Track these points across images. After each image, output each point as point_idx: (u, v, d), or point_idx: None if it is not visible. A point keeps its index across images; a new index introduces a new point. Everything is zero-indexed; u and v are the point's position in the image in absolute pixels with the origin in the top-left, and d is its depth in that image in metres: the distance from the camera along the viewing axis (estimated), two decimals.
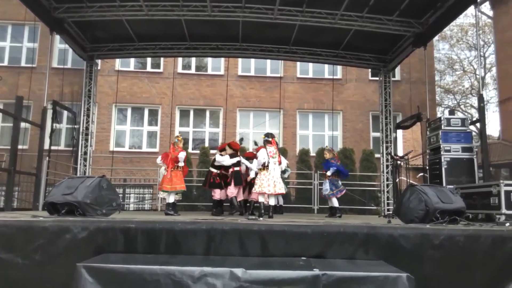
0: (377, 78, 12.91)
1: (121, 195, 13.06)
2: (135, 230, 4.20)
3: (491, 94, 26.46)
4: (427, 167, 9.32)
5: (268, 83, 16.70)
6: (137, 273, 3.45)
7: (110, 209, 5.32)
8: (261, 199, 7.14)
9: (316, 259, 4.03)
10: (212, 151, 12.62)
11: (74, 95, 13.69)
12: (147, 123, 16.65)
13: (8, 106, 13.42)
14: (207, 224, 4.29)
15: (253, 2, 9.41)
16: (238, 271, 3.41)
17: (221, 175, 8.31)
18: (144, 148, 16.38)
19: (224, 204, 8.76)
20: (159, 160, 7.90)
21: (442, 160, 8.30)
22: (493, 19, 20.53)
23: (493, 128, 28.22)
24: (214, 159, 8.56)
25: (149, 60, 16.74)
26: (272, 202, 7.20)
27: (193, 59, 16.91)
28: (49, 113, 10.19)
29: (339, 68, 16.38)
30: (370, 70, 15.61)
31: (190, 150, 14.83)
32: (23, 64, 15.99)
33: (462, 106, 28.92)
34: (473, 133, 9.05)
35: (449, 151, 8.33)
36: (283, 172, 8.38)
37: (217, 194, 8.36)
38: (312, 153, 14.36)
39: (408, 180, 10.60)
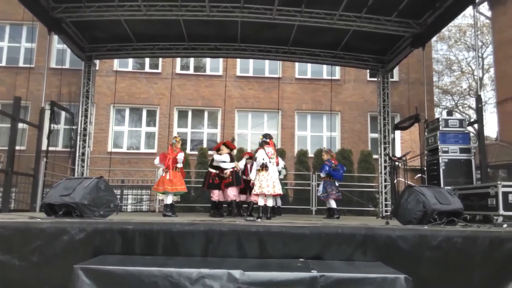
0: (375, 79, 12.93)
1: (119, 196, 13.03)
2: (132, 232, 4.19)
3: (489, 95, 26.54)
4: (425, 168, 9.32)
5: (266, 84, 16.71)
6: (135, 275, 3.44)
7: (107, 210, 5.30)
8: (260, 200, 7.13)
9: (314, 261, 4.03)
10: (210, 152, 12.60)
11: (72, 96, 13.65)
12: (145, 123, 16.63)
13: (6, 107, 13.40)
14: (205, 226, 4.28)
15: (251, 2, 9.41)
16: (236, 273, 3.41)
17: (220, 176, 8.29)
18: (142, 149, 16.36)
19: (223, 205, 8.74)
20: (157, 161, 7.85)
21: (440, 161, 8.30)
22: (491, 20, 20.58)
23: (491, 129, 28.28)
24: (213, 159, 8.53)
25: (147, 60, 16.73)
26: (270, 203, 7.20)
27: (192, 60, 16.91)
28: (47, 114, 10.16)
29: (337, 68, 16.38)
30: (368, 70, 15.68)
31: (188, 151, 14.81)
32: (21, 64, 15.96)
33: (460, 107, 28.97)
34: (471, 134, 9.05)
35: (447, 152, 8.34)
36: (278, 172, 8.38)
37: (215, 195, 8.34)
38: (311, 154, 14.35)
39: (406, 181, 10.62)
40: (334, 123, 16.46)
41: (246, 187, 8.45)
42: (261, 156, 7.13)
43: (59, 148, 14.51)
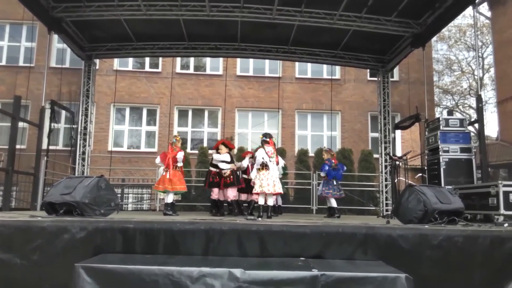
0: (375, 79, 12.93)
1: (119, 195, 13.04)
2: (133, 230, 4.19)
3: (489, 94, 26.52)
4: (426, 168, 9.32)
5: (266, 83, 16.70)
6: (136, 274, 3.44)
7: (108, 209, 5.31)
8: (260, 199, 7.14)
9: (315, 260, 4.03)
10: (210, 151, 12.61)
11: (72, 95, 13.65)
12: (146, 123, 16.63)
13: (6, 106, 13.40)
14: (205, 225, 4.28)
15: (251, 2, 9.41)
16: (237, 272, 3.41)
17: (220, 174, 8.27)
18: (143, 148, 16.37)
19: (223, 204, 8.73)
20: (157, 160, 7.86)
21: (441, 160, 8.30)
22: (491, 20, 20.56)
23: (492, 128, 28.27)
24: (213, 158, 8.53)
25: (147, 60, 16.72)
26: (270, 202, 7.20)
27: (192, 59, 16.90)
28: (47, 113, 10.15)
29: (337, 68, 16.38)
30: (368, 70, 15.68)
31: (188, 150, 14.81)
32: (21, 63, 15.95)
33: (460, 107, 28.96)
34: (472, 134, 9.05)
35: (447, 151, 8.34)
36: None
37: (215, 193, 8.33)
38: (311, 154, 14.35)
39: (406, 180, 10.62)
40: (335, 123, 16.46)
41: (247, 186, 8.44)
42: (260, 155, 7.14)
43: (60, 147, 14.50)
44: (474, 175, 8.16)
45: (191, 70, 17.02)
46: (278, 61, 14.89)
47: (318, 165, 11.63)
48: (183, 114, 16.73)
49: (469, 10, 10.45)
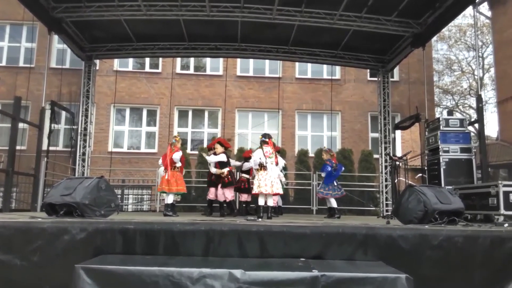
0: (375, 79, 12.92)
1: (119, 196, 13.04)
2: (133, 231, 4.19)
3: (489, 94, 26.51)
4: (426, 168, 9.32)
5: (266, 84, 16.71)
6: (136, 275, 3.44)
7: (108, 210, 5.30)
8: (260, 200, 7.13)
9: (315, 260, 4.02)
10: (203, 153, 12.59)
11: (73, 96, 13.66)
12: (146, 123, 16.63)
13: (6, 107, 13.41)
14: (205, 225, 4.28)
15: (251, 2, 9.41)
16: (237, 272, 3.41)
17: (217, 175, 8.25)
18: (143, 149, 16.37)
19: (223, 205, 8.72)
20: (160, 161, 7.88)
21: (441, 160, 8.30)
22: (491, 20, 20.55)
23: (492, 128, 28.24)
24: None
25: (147, 60, 16.73)
26: (270, 202, 7.20)
27: (192, 60, 16.91)
28: (48, 114, 10.16)
29: (337, 68, 16.38)
30: (368, 70, 15.68)
31: (188, 150, 14.81)
32: (21, 64, 15.97)
33: (460, 107, 28.96)
34: (472, 134, 9.05)
35: (447, 151, 8.34)
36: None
37: (211, 193, 8.31)
38: (311, 154, 14.35)
39: (406, 180, 10.62)
40: (335, 123, 16.46)
41: (249, 187, 8.44)
42: (257, 156, 7.15)
43: (60, 148, 14.52)
44: (474, 175, 8.15)
45: (191, 71, 17.03)
46: (278, 61, 14.89)
47: (318, 165, 11.63)
48: (183, 114, 16.73)
49: (469, 10, 10.48)
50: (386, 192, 11.24)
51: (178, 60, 16.64)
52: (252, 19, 9.80)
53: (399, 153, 13.38)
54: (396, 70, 16.21)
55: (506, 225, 5.31)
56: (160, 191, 7.90)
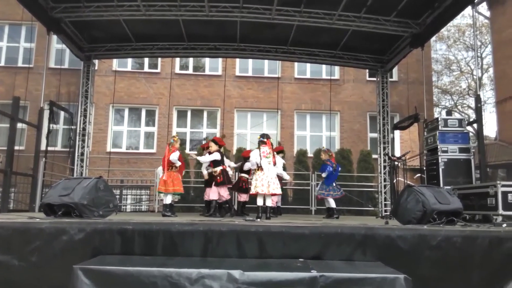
0: (374, 79, 12.94)
1: (118, 196, 13.02)
2: (132, 232, 4.18)
3: (488, 94, 26.58)
4: (425, 168, 9.33)
5: (265, 84, 16.70)
6: (134, 275, 3.44)
7: (107, 210, 5.30)
8: (259, 200, 7.13)
9: (314, 261, 4.03)
10: (195, 156, 12.57)
11: (71, 96, 13.65)
12: (144, 123, 16.62)
13: (5, 107, 13.36)
14: (204, 226, 4.28)
15: (251, 2, 9.41)
16: (236, 273, 3.41)
17: (211, 174, 8.12)
18: (141, 149, 16.35)
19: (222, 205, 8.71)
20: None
21: (440, 160, 8.31)
22: (490, 20, 20.57)
23: (490, 128, 28.31)
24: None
25: (146, 60, 16.71)
26: (269, 203, 7.19)
27: (191, 60, 16.90)
28: (46, 114, 10.14)
29: (336, 68, 16.38)
30: (367, 70, 15.69)
31: (187, 151, 14.79)
32: (20, 64, 15.95)
33: (459, 107, 29.01)
34: (470, 134, 9.06)
35: (446, 151, 8.34)
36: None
37: (206, 194, 8.28)
38: (310, 154, 14.35)
39: (405, 181, 10.61)
40: (334, 123, 16.46)
41: (248, 187, 8.42)
42: (253, 157, 7.16)
43: (58, 148, 14.48)
44: (473, 175, 8.16)
45: (190, 71, 17.02)
46: (277, 61, 14.88)
47: (317, 165, 11.63)
48: (182, 114, 16.72)
49: (468, 10, 10.48)
50: (385, 192, 11.24)
51: (177, 60, 16.62)
52: (251, 19, 9.80)
53: (398, 153, 13.41)
54: (395, 70, 16.21)
55: (504, 225, 5.32)
56: (158, 192, 7.90)
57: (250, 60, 16.49)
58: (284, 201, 11.32)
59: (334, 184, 8.68)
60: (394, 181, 9.17)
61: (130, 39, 11.19)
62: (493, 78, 21.40)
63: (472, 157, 8.32)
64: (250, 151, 8.92)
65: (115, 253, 4.12)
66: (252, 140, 14.75)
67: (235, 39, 11.14)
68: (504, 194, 6.26)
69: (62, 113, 14.29)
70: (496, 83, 20.26)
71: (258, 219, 6.34)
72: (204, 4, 9.27)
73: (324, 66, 16.16)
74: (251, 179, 8.15)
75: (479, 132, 8.25)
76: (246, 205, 8.88)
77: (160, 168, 8.20)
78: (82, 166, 11.12)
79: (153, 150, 16.05)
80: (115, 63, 16.09)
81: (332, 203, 8.61)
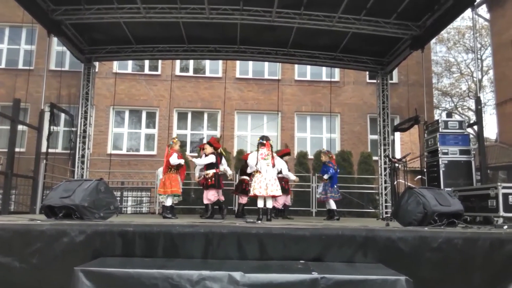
0: (374, 81, 12.95)
1: (118, 198, 13.02)
2: (133, 234, 4.18)
3: (488, 96, 26.56)
4: (425, 170, 9.32)
5: (266, 86, 16.71)
6: (135, 277, 3.43)
7: (107, 212, 5.29)
8: (259, 202, 7.12)
9: (315, 262, 4.02)
10: (190, 157, 12.56)
11: (72, 98, 13.66)
12: (145, 125, 16.62)
13: (5, 109, 13.37)
14: (205, 228, 4.27)
15: (251, 4, 9.43)
16: (237, 275, 3.40)
17: (205, 177, 8.06)
18: (142, 151, 16.35)
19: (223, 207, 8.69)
20: None
21: (440, 162, 8.31)
22: (490, 22, 20.58)
23: (491, 130, 28.30)
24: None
25: (147, 62, 16.73)
26: (269, 204, 7.18)
27: (191, 62, 16.91)
28: (47, 116, 10.15)
29: (337, 70, 16.39)
30: (367, 72, 15.70)
31: (188, 152, 14.76)
32: (20, 66, 15.96)
33: (459, 109, 29.00)
34: (471, 136, 9.06)
35: (446, 153, 8.35)
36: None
37: (204, 197, 8.23)
38: (310, 156, 14.35)
39: (406, 182, 10.62)
40: (334, 125, 16.47)
41: (249, 189, 8.41)
42: (251, 160, 7.19)
43: (59, 150, 14.49)
44: (474, 177, 8.16)
45: (191, 73, 17.03)
46: (278, 63, 14.91)
47: (318, 167, 11.62)
48: (182, 116, 16.73)
49: (468, 12, 10.47)
50: (386, 194, 11.24)
51: (178, 62, 16.64)
52: (251, 22, 9.82)
53: (398, 155, 13.40)
54: (395, 72, 16.22)
55: (505, 227, 5.32)
56: (158, 194, 7.92)
57: (250, 62, 16.49)
58: None
59: (335, 186, 8.69)
60: (395, 183, 9.16)
61: (130, 42, 11.21)
62: (493, 80, 21.39)
63: (472, 159, 8.31)
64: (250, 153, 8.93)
65: (116, 255, 4.12)
66: (253, 142, 14.72)
67: (235, 41, 11.16)
68: (505, 196, 6.26)
69: (62, 115, 14.31)
70: (496, 85, 20.26)
71: (259, 221, 6.34)
72: (204, 6, 9.30)
73: (324, 68, 16.16)
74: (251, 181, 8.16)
75: (479, 134, 8.25)
76: (249, 207, 8.88)
77: (161, 170, 8.20)
78: (82, 168, 11.12)
79: (154, 152, 16.04)
80: (115, 65, 16.11)
81: (332, 205, 8.61)
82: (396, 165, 8.92)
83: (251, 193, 7.07)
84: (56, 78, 12.29)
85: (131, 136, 16.63)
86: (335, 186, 8.72)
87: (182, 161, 7.75)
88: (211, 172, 7.90)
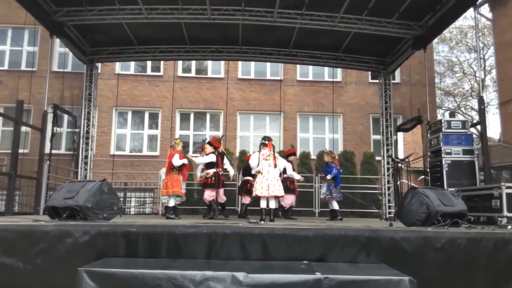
0: (377, 81, 12.92)
1: (122, 199, 13.05)
2: (136, 234, 4.19)
3: (491, 96, 26.50)
4: (428, 170, 9.30)
5: (268, 86, 16.72)
6: (139, 278, 3.44)
7: (111, 213, 5.30)
8: (262, 202, 7.13)
9: (318, 263, 4.01)
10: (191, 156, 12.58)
11: (75, 99, 13.70)
12: (148, 126, 16.65)
13: (9, 110, 13.43)
14: (208, 228, 4.27)
15: (252, 5, 9.44)
16: (240, 275, 3.40)
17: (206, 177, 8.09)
18: (145, 152, 16.38)
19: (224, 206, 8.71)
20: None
21: (443, 162, 8.28)
22: (492, 21, 20.54)
23: (494, 130, 28.24)
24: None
25: (149, 63, 16.76)
26: (272, 205, 7.19)
27: (193, 62, 16.94)
28: (50, 117, 10.19)
29: (339, 70, 16.39)
30: (370, 72, 15.68)
31: (190, 153, 14.78)
32: (23, 68, 16.02)
33: (462, 109, 28.93)
34: (474, 136, 9.03)
35: (450, 153, 8.33)
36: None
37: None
38: (313, 156, 14.35)
39: (409, 183, 10.59)
40: (336, 125, 16.46)
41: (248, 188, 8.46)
42: (252, 161, 7.22)
43: (62, 151, 14.59)
44: (477, 177, 8.14)
45: (193, 74, 17.05)
46: (280, 63, 14.91)
47: (320, 167, 11.62)
48: (185, 117, 16.75)
49: (470, 12, 10.44)
50: (389, 194, 11.22)
51: (180, 63, 16.67)
52: (253, 22, 9.82)
53: (401, 155, 13.38)
54: (397, 72, 16.18)
55: (509, 227, 5.30)
56: (161, 195, 7.95)
57: (252, 63, 16.51)
58: None
59: (338, 187, 8.69)
60: (398, 183, 9.16)
61: (132, 43, 11.24)
62: (496, 79, 21.34)
63: (476, 158, 8.29)
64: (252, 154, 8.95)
65: (119, 255, 4.12)
66: (255, 142, 14.71)
67: (237, 42, 11.17)
68: (509, 195, 6.24)
69: (65, 116, 14.35)
70: (499, 84, 20.21)
71: (262, 221, 6.34)
72: (206, 7, 9.31)
73: (326, 69, 16.15)
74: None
75: (482, 134, 8.22)
76: (252, 208, 8.90)
77: (163, 170, 8.21)
78: (86, 169, 11.15)
79: (157, 153, 16.07)
80: (117, 67, 16.12)
81: (335, 205, 8.61)
82: (399, 165, 8.93)
83: (254, 194, 7.10)
84: (59, 79, 12.34)
85: (134, 137, 16.67)
86: (338, 187, 8.71)
87: (185, 161, 7.77)
88: (211, 171, 7.93)
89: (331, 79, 15.26)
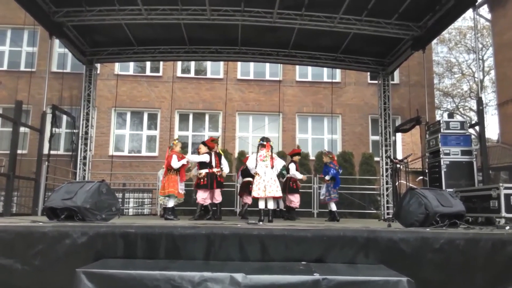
0: (376, 82, 12.94)
1: (120, 200, 13.03)
2: (134, 235, 4.18)
3: (489, 97, 26.50)
4: (427, 171, 9.31)
5: (267, 87, 16.72)
6: (137, 279, 3.44)
7: (109, 214, 5.31)
8: (260, 203, 7.14)
9: (316, 264, 4.02)
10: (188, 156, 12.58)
11: (74, 99, 13.69)
12: (147, 127, 16.64)
13: (8, 111, 13.41)
14: (206, 229, 4.28)
15: (252, 6, 9.45)
16: (238, 276, 3.41)
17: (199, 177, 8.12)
18: (144, 153, 16.37)
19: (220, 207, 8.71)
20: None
21: (442, 163, 8.29)
22: (491, 22, 20.58)
23: (492, 131, 28.22)
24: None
25: (148, 64, 16.76)
26: (271, 206, 7.19)
27: (192, 63, 16.94)
28: (49, 118, 10.18)
29: (338, 71, 16.41)
30: (369, 73, 15.69)
31: (189, 154, 14.81)
32: (22, 68, 16.01)
33: (461, 109, 28.95)
34: (472, 136, 9.04)
35: (448, 154, 8.33)
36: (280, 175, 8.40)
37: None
38: (312, 157, 14.35)
39: (407, 183, 10.62)
40: (335, 126, 16.46)
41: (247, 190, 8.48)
42: (250, 163, 7.24)
43: (61, 151, 14.57)
44: (475, 178, 8.15)
45: (192, 74, 17.06)
46: (279, 64, 14.92)
47: (319, 168, 11.61)
48: (184, 118, 16.75)
49: (469, 13, 10.44)
50: (387, 195, 11.22)
51: (179, 63, 16.67)
52: (252, 23, 9.83)
53: (399, 155, 13.39)
54: (396, 73, 16.21)
55: (507, 228, 5.31)
56: (160, 196, 7.96)
57: (252, 64, 16.52)
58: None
59: (337, 188, 8.70)
60: (396, 183, 9.16)
61: (132, 43, 11.24)
62: (495, 80, 21.36)
63: (474, 159, 8.30)
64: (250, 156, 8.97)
65: (117, 256, 4.12)
66: (254, 143, 14.70)
67: (237, 42, 11.17)
68: (507, 196, 6.25)
69: (64, 117, 14.33)
70: (497, 85, 20.23)
71: (260, 222, 6.34)
72: (205, 8, 9.31)
73: (325, 69, 16.17)
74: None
75: (481, 135, 8.23)
76: (251, 209, 8.91)
77: (162, 171, 8.20)
78: (84, 170, 11.14)
79: (155, 154, 16.07)
80: (117, 67, 16.14)
81: (333, 207, 8.62)
82: (398, 166, 8.93)
83: (252, 195, 7.14)
84: (58, 80, 12.32)
85: (133, 137, 16.66)
86: (337, 188, 8.71)
87: (184, 161, 7.77)
88: (203, 171, 7.93)
89: (330, 80, 15.27)
